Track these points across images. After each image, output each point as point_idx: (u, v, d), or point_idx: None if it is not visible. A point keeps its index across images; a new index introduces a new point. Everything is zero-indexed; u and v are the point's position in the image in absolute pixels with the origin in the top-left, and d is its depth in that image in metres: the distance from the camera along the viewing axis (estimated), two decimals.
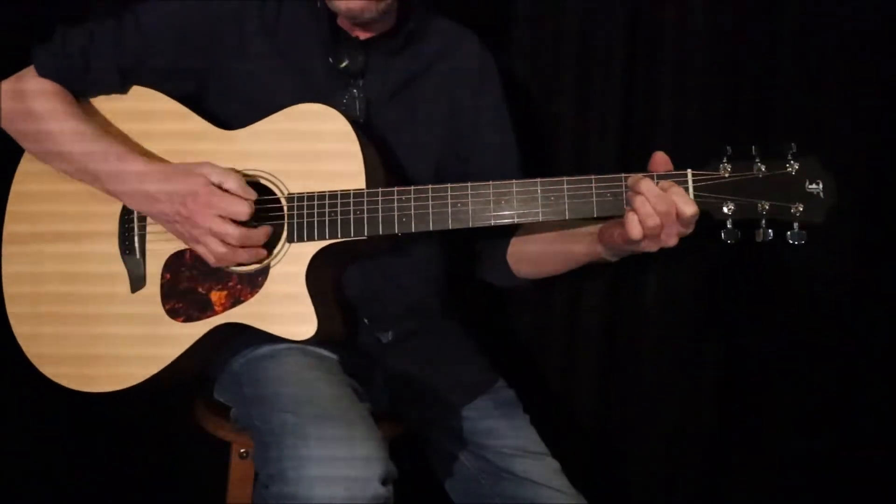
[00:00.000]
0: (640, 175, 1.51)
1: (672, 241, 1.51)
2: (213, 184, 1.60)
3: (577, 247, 1.71)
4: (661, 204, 1.47)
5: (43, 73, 1.69)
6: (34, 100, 1.67)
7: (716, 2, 2.09)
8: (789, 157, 1.50)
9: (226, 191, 1.59)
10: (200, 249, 1.62)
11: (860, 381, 2.14)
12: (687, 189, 1.51)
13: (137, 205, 1.66)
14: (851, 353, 2.14)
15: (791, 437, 2.19)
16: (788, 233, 1.49)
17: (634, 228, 1.48)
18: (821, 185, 1.49)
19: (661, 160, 1.54)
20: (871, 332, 2.13)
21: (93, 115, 1.71)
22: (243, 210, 1.58)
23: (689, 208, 1.47)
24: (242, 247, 1.60)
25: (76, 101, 1.70)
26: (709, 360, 2.20)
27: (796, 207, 1.49)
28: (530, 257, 1.83)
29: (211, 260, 1.62)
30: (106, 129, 1.69)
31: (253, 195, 1.61)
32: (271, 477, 1.44)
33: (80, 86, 1.71)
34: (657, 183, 1.50)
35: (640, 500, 2.25)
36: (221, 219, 1.58)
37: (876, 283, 2.11)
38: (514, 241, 1.84)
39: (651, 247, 1.53)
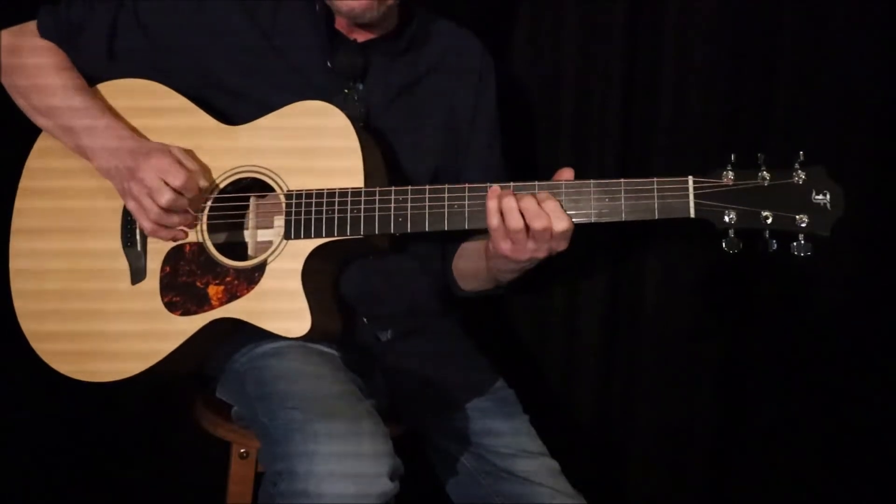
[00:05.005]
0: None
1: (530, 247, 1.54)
2: (173, 156, 1.62)
3: (481, 263, 1.76)
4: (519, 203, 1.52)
5: (43, 32, 1.75)
6: (29, 55, 1.73)
7: (717, 4, 2.09)
8: (796, 166, 1.46)
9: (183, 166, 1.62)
10: (132, 205, 1.63)
11: (860, 381, 2.14)
12: (687, 195, 1.49)
13: (102, 159, 1.67)
14: (852, 352, 2.14)
15: (791, 438, 2.19)
16: (794, 244, 1.45)
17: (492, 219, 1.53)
18: (828, 196, 1.45)
19: (566, 175, 1.57)
20: (871, 331, 2.12)
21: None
22: (180, 179, 1.60)
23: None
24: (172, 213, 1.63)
25: (69, 60, 1.74)
26: (709, 360, 2.20)
27: (801, 218, 1.45)
28: (459, 271, 1.87)
29: (144, 224, 1.64)
30: (93, 90, 1.73)
31: (201, 177, 1.64)
32: (279, 474, 1.44)
33: (72, 53, 1.75)
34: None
35: (639, 500, 2.25)
36: (161, 180, 1.60)
37: (876, 282, 2.11)
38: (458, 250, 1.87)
39: (517, 254, 1.55)
